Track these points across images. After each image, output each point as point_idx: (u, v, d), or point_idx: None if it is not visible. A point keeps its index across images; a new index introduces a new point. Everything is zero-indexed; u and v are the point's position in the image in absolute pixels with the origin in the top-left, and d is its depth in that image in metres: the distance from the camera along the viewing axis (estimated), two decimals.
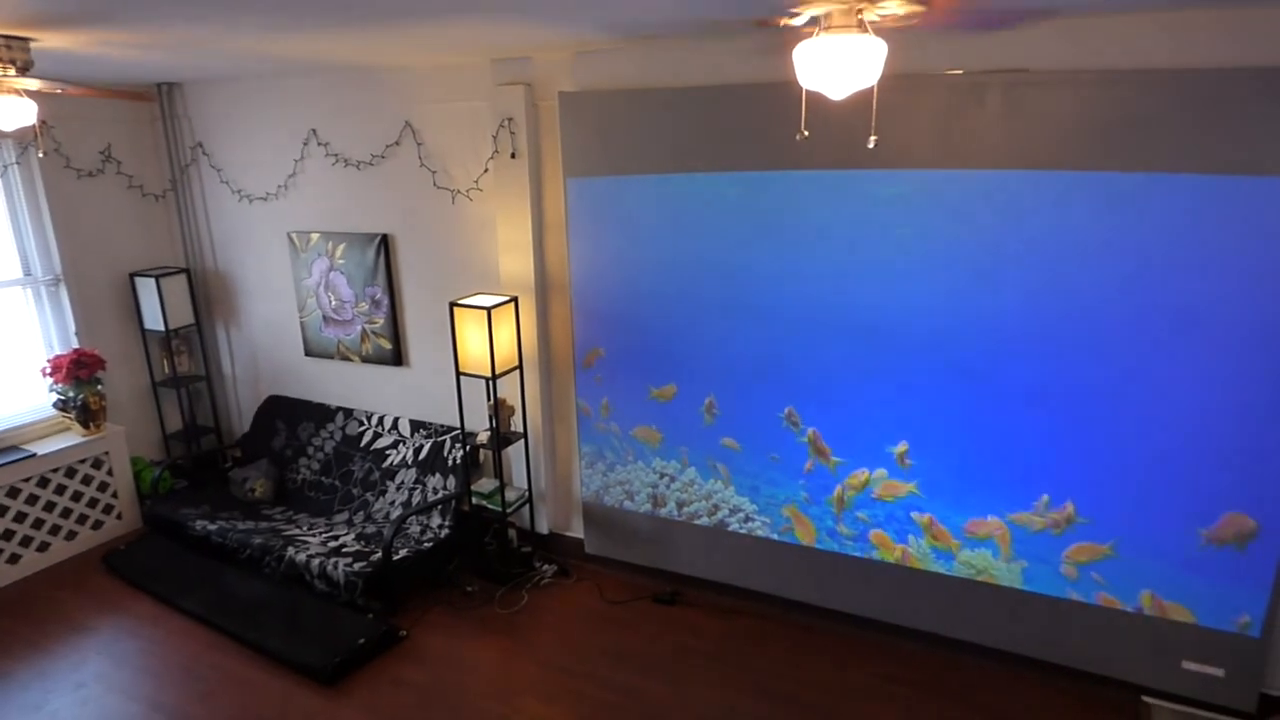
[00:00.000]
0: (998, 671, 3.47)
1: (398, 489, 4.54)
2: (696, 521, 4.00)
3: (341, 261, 4.66)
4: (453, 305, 3.95)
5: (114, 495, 4.81)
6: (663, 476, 4.03)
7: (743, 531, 3.90)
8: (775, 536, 3.83)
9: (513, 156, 3.92)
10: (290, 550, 4.09)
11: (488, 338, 3.86)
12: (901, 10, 2.18)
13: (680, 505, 4.03)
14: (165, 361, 5.23)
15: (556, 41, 3.41)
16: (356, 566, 3.92)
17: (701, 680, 3.51)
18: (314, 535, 4.32)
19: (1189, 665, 3.11)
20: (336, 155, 4.50)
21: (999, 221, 3.05)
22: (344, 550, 4.11)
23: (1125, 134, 2.81)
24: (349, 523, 4.51)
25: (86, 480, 4.67)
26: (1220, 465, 2.90)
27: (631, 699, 3.40)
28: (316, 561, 3.98)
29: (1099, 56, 2.82)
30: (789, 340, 3.54)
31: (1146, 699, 3.25)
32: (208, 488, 4.99)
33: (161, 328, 4.99)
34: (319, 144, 4.54)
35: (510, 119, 3.88)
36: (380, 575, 3.91)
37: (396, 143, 4.29)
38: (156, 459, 5.28)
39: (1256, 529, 2.90)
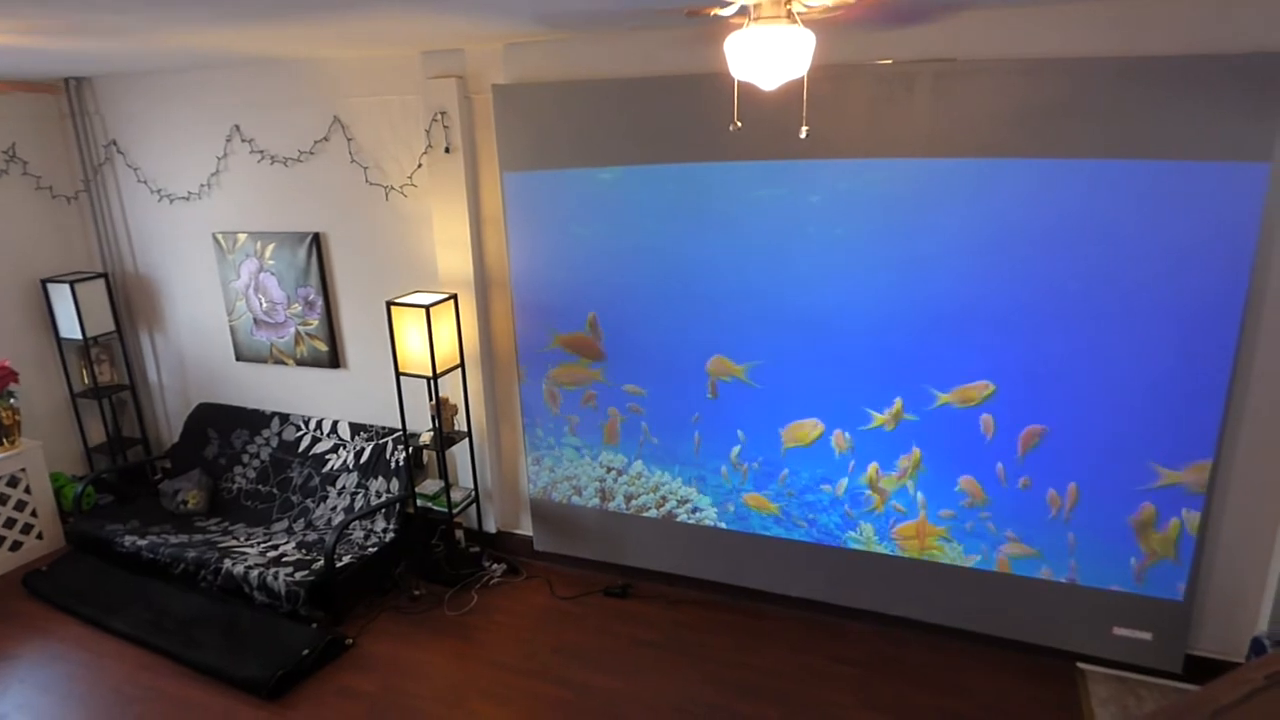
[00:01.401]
0: (942, 647, 3.57)
1: (339, 494, 4.42)
2: (645, 514, 4.01)
3: (271, 262, 4.50)
4: (390, 304, 3.86)
5: (33, 514, 4.56)
6: (610, 470, 4.02)
7: (691, 522, 3.92)
8: (724, 525, 3.86)
9: (447, 151, 3.84)
10: (227, 562, 3.95)
11: (427, 336, 3.78)
12: (829, 1, 2.20)
13: (628, 498, 4.02)
14: (84, 371, 4.98)
15: (487, 33, 3.35)
16: (298, 576, 3.80)
17: (655, 671, 3.52)
18: (252, 546, 4.18)
19: (1119, 631, 3.25)
20: (262, 152, 4.34)
21: (930, 209, 3.12)
22: (284, 559, 3.99)
23: (1047, 121, 2.89)
24: (289, 531, 4.37)
25: (1, 499, 4.42)
26: (1144, 450, 3.04)
27: (585, 695, 3.39)
28: (255, 572, 3.85)
29: (1021, 46, 2.90)
30: (731, 328, 3.56)
31: (1081, 665, 3.39)
32: (136, 502, 4.78)
33: (79, 336, 4.75)
34: (243, 140, 4.37)
35: (443, 113, 3.80)
36: (323, 583, 3.80)
37: (325, 138, 4.16)
38: (79, 474, 5.04)
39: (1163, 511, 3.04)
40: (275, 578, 3.81)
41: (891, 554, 3.57)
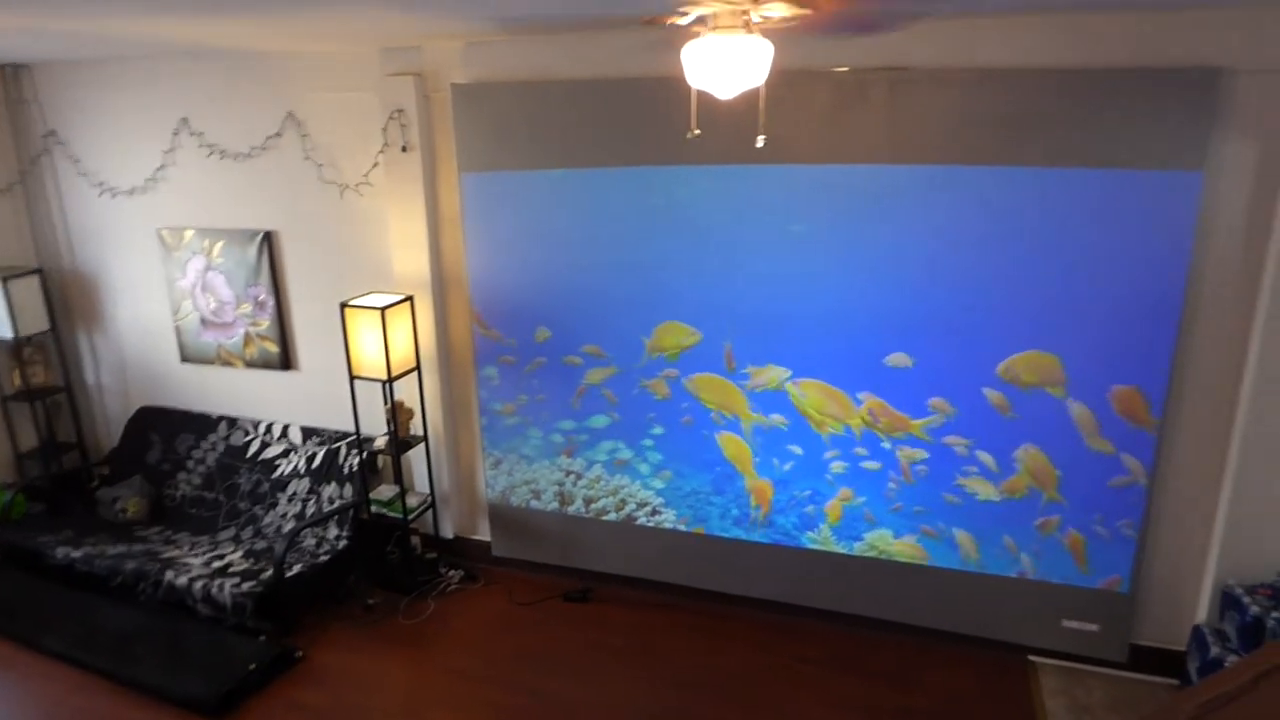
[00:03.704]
0: (900, 644, 3.62)
1: (290, 501, 4.29)
2: (605, 518, 3.98)
3: (220, 260, 4.36)
4: (344, 306, 3.77)
5: None
6: (569, 474, 3.99)
7: (651, 525, 3.91)
8: (684, 528, 3.86)
9: (404, 150, 3.79)
10: (169, 574, 3.79)
11: (382, 339, 3.71)
12: (787, 13, 2.24)
13: (588, 502, 4.00)
14: (16, 372, 4.75)
15: (446, 31, 3.32)
16: (245, 586, 3.67)
17: (616, 676, 3.49)
18: (196, 556, 4.02)
19: (1068, 623, 3.35)
20: (211, 146, 4.21)
21: (886, 214, 3.19)
22: (231, 570, 3.85)
23: (996, 129, 2.99)
24: (236, 540, 4.22)
25: None
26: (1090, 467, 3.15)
27: (545, 702, 3.34)
28: (200, 584, 3.71)
29: (971, 55, 2.99)
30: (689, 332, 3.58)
31: (1033, 658, 3.47)
32: (71, 511, 4.56)
33: (10, 335, 4.52)
34: (191, 134, 4.24)
35: (400, 111, 3.74)
36: (272, 594, 3.68)
37: (278, 134, 4.06)
38: (8, 481, 4.78)
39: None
40: (221, 589, 3.67)
41: (849, 554, 3.61)
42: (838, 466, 3.52)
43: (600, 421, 3.86)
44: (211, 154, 4.22)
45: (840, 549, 3.62)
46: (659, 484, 3.85)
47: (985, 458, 3.30)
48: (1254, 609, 2.83)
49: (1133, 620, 3.28)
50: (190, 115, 4.22)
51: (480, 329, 3.93)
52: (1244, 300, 2.93)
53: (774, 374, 3.52)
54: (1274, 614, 2.79)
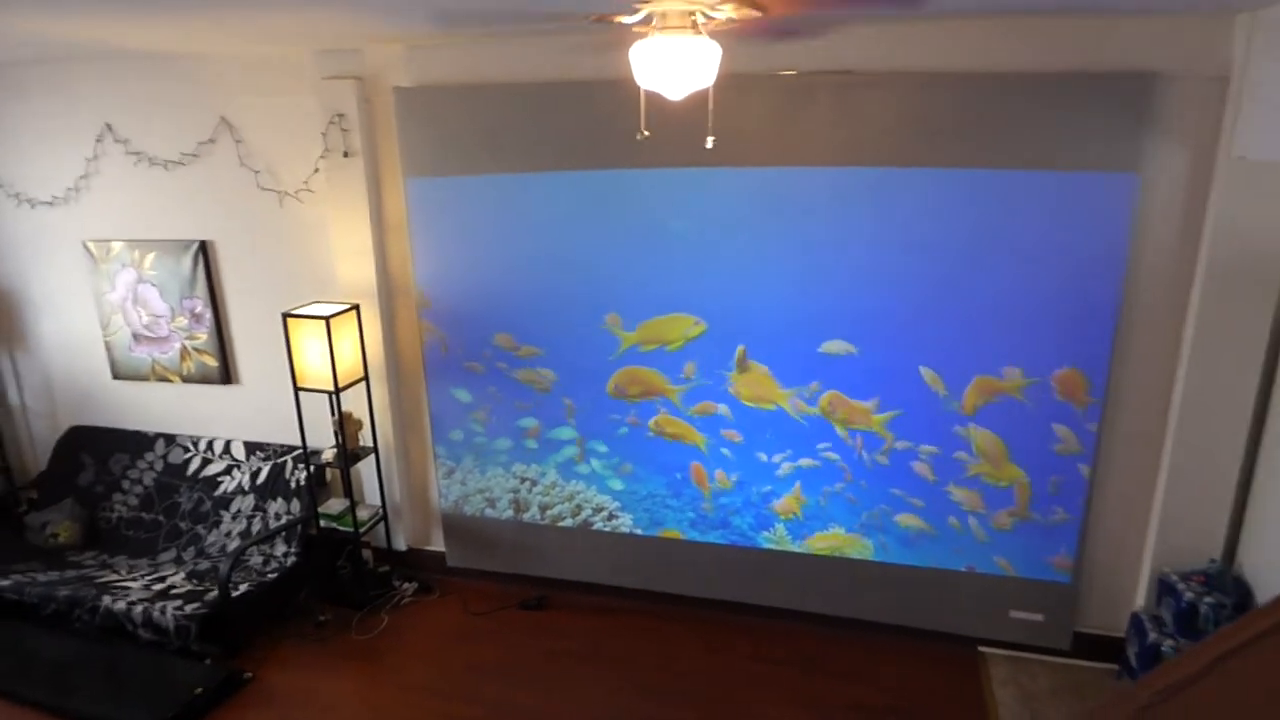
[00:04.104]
0: (854, 640, 3.68)
1: (234, 518, 4.16)
2: (561, 524, 3.96)
3: (152, 272, 4.19)
4: (286, 316, 3.66)
5: None
6: (524, 481, 3.95)
7: (607, 530, 3.90)
8: (640, 531, 3.86)
9: (346, 155, 3.68)
10: (106, 599, 3.63)
11: (328, 349, 3.61)
12: (733, 13, 2.23)
13: (543, 509, 3.97)
14: None
15: (385, 33, 3.23)
16: (189, 608, 3.54)
17: (575, 683, 3.48)
18: (135, 579, 3.87)
19: (1015, 614, 3.45)
20: (139, 154, 4.03)
21: (833, 215, 3.22)
22: (173, 592, 3.71)
23: (939, 132, 3.04)
24: (177, 561, 4.08)
25: None
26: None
27: (504, 713, 3.31)
28: (140, 608, 3.57)
29: (914, 59, 3.04)
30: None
31: (982, 649, 3.57)
32: None
33: None
34: (116, 140, 4.05)
35: (341, 115, 3.64)
36: (218, 615, 3.56)
37: (211, 140, 3.90)
38: None
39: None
40: (163, 612, 3.54)
41: (803, 552, 3.66)
42: (787, 468, 3.56)
43: (556, 428, 3.83)
44: (139, 161, 4.04)
45: (795, 548, 3.67)
46: (616, 488, 3.84)
47: (931, 450, 3.37)
48: (1188, 595, 2.95)
49: (1075, 609, 3.40)
50: (114, 121, 4.03)
51: (430, 336, 3.86)
52: (1178, 298, 3.04)
53: (723, 372, 3.54)
54: (1206, 599, 2.91)
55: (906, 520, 3.47)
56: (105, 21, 2.70)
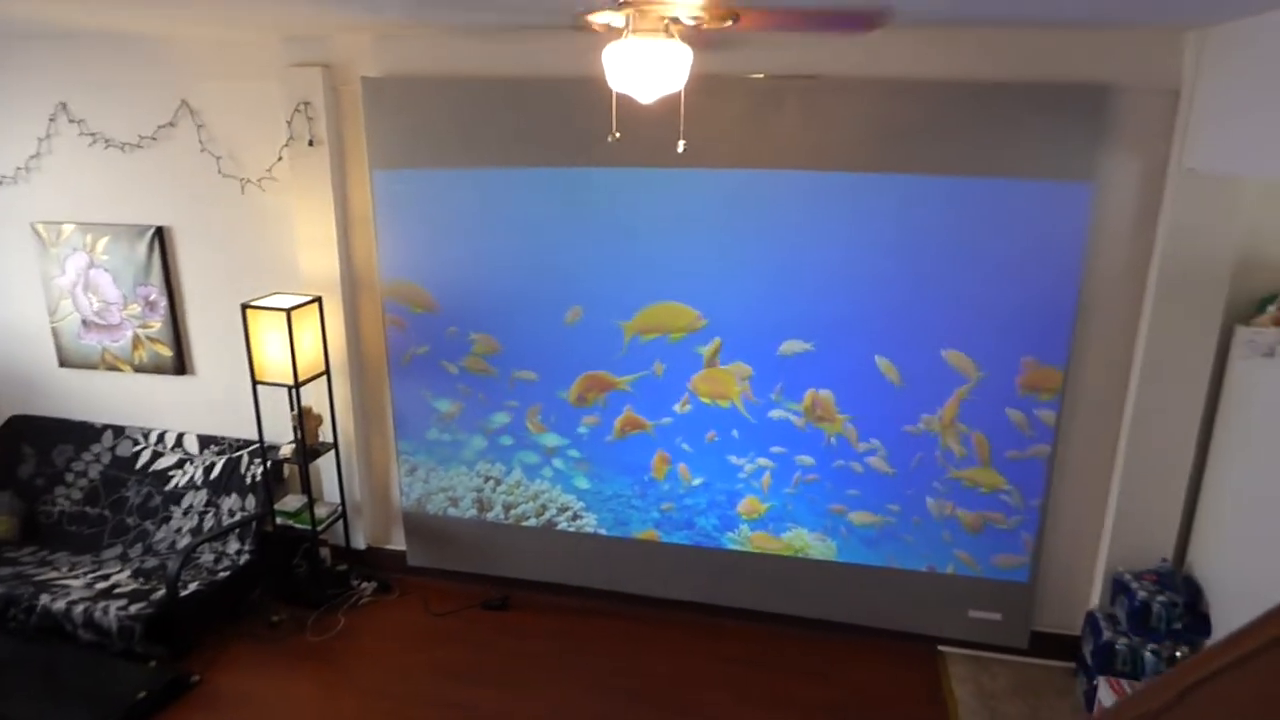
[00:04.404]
0: (816, 640, 3.70)
1: (185, 514, 4.02)
2: (525, 523, 3.91)
3: (105, 257, 4.05)
4: (245, 307, 3.56)
5: None
6: (488, 480, 3.90)
7: (571, 530, 3.87)
8: (604, 532, 3.83)
9: (311, 144, 3.62)
10: (44, 598, 3.48)
11: (288, 342, 3.52)
12: (704, 15, 2.26)
13: (507, 508, 3.92)
14: None
15: (354, 22, 3.18)
16: (133, 608, 3.41)
17: (538, 684, 3.43)
18: (77, 577, 3.71)
19: (974, 613, 3.50)
20: (94, 135, 3.90)
21: (800, 219, 3.25)
22: (117, 591, 3.57)
23: (903, 139, 3.09)
24: (123, 558, 3.92)
25: None
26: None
27: (464, 715, 3.25)
28: (80, 608, 3.42)
29: (879, 66, 3.09)
30: (612, 334, 3.55)
31: (942, 648, 3.62)
32: None
33: None
34: (71, 121, 3.91)
35: (306, 103, 3.57)
36: (164, 615, 3.43)
37: (171, 123, 3.80)
38: None
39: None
40: (105, 612, 3.40)
41: (767, 552, 3.67)
42: (750, 468, 3.57)
43: (520, 425, 3.79)
44: (95, 143, 3.91)
45: (758, 549, 3.67)
46: (581, 487, 3.81)
47: (891, 449, 3.41)
48: (1141, 594, 3.03)
49: (1032, 608, 3.46)
50: (70, 101, 3.90)
51: (394, 331, 3.80)
52: (1131, 304, 3.13)
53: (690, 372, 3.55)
54: (1159, 598, 2.99)
55: (866, 519, 3.51)
56: (68, 3, 2.61)
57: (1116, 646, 3.03)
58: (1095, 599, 3.35)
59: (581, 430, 3.72)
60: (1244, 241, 2.96)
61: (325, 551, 4.02)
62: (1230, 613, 2.89)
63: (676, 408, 3.59)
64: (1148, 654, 2.98)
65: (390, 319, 3.78)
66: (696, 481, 3.66)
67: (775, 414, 3.49)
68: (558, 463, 3.79)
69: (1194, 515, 3.18)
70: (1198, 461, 3.14)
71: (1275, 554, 2.60)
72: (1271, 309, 2.88)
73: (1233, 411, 2.99)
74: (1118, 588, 3.19)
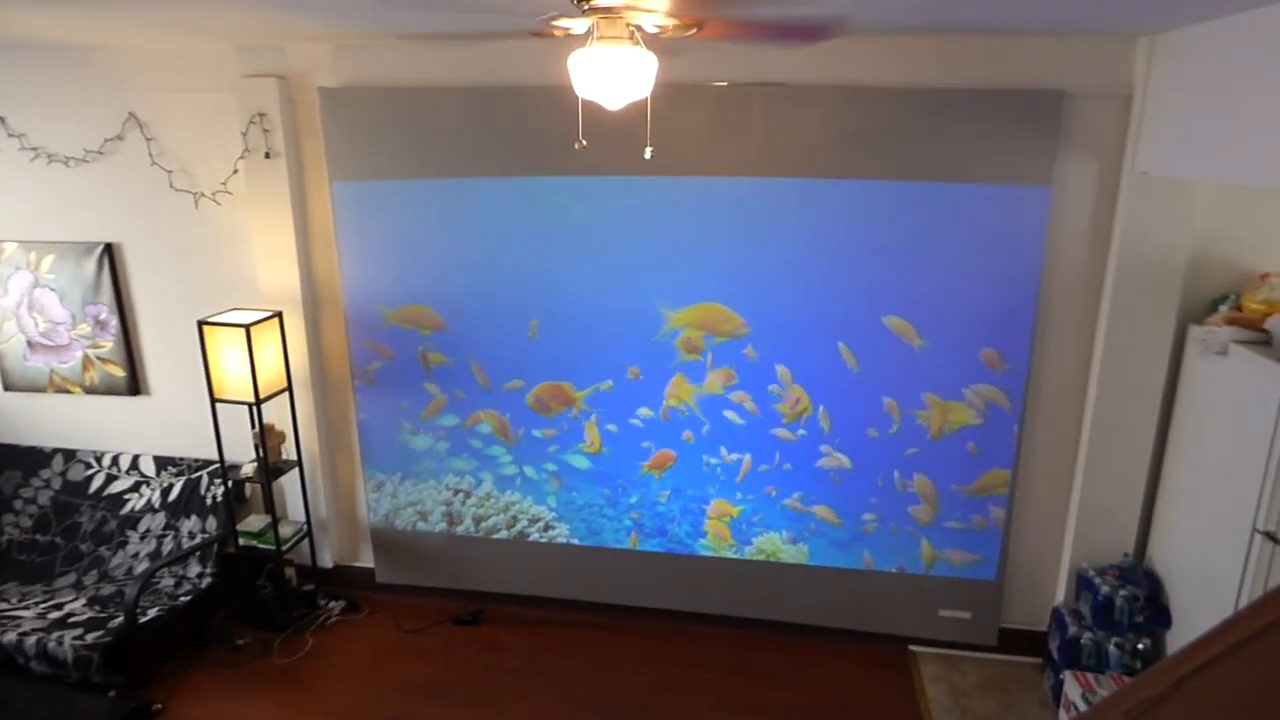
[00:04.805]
0: (790, 644, 3.71)
1: (142, 538, 3.90)
2: (496, 536, 3.87)
3: (51, 276, 3.91)
4: (202, 324, 3.47)
5: None
6: (458, 493, 3.85)
7: (543, 541, 3.83)
8: (577, 541, 3.80)
9: (267, 156, 3.53)
10: None
11: (248, 358, 3.44)
12: (673, 31, 2.26)
13: (478, 521, 3.87)
14: None
15: (311, 31, 3.12)
16: (90, 637, 3.30)
17: (512, 698, 3.39)
18: (28, 608, 3.57)
19: (945, 613, 3.55)
20: (36, 149, 3.77)
21: (767, 224, 3.26)
22: (71, 620, 3.45)
23: (866, 145, 3.12)
24: (77, 586, 3.79)
25: None
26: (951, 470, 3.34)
27: None
28: (33, 639, 3.29)
29: (842, 73, 3.12)
30: (578, 343, 3.53)
31: (913, 648, 3.66)
32: None
33: None
34: (10, 135, 3.77)
35: (262, 115, 3.49)
36: (123, 643, 3.32)
37: (119, 136, 3.68)
38: None
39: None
40: (60, 642, 3.28)
41: (739, 558, 3.67)
42: (721, 472, 3.58)
43: (489, 438, 3.74)
44: (37, 158, 3.77)
45: (731, 554, 3.68)
46: (551, 499, 3.78)
47: (858, 454, 3.44)
48: (1104, 589, 3.09)
49: (1000, 606, 3.52)
50: (9, 114, 3.75)
51: (357, 345, 3.73)
52: (1089, 305, 3.20)
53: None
54: (1121, 593, 3.06)
55: (833, 519, 3.53)
56: (9, 9, 2.51)
57: (1081, 641, 3.09)
58: (1061, 595, 3.41)
59: (545, 441, 3.69)
60: (1197, 243, 3.04)
61: (291, 571, 3.94)
62: (1189, 604, 2.97)
63: (645, 413, 3.58)
64: (1111, 648, 3.05)
65: (353, 332, 3.71)
66: (666, 492, 3.65)
67: (736, 420, 3.50)
68: (529, 470, 3.76)
69: (1153, 510, 3.27)
70: (1156, 458, 3.22)
71: (1230, 546, 2.67)
72: (1223, 309, 2.96)
73: (1188, 409, 3.07)
74: (1082, 583, 3.25)
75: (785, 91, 3.16)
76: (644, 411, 3.58)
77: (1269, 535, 2.55)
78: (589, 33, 2.24)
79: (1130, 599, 3.05)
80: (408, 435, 3.80)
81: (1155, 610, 3.07)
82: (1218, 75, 2.48)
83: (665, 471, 3.64)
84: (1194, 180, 2.89)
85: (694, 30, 2.33)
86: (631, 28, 2.23)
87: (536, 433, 3.70)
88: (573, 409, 3.63)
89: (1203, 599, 2.89)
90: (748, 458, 3.54)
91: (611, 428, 3.63)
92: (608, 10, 2.16)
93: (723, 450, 3.56)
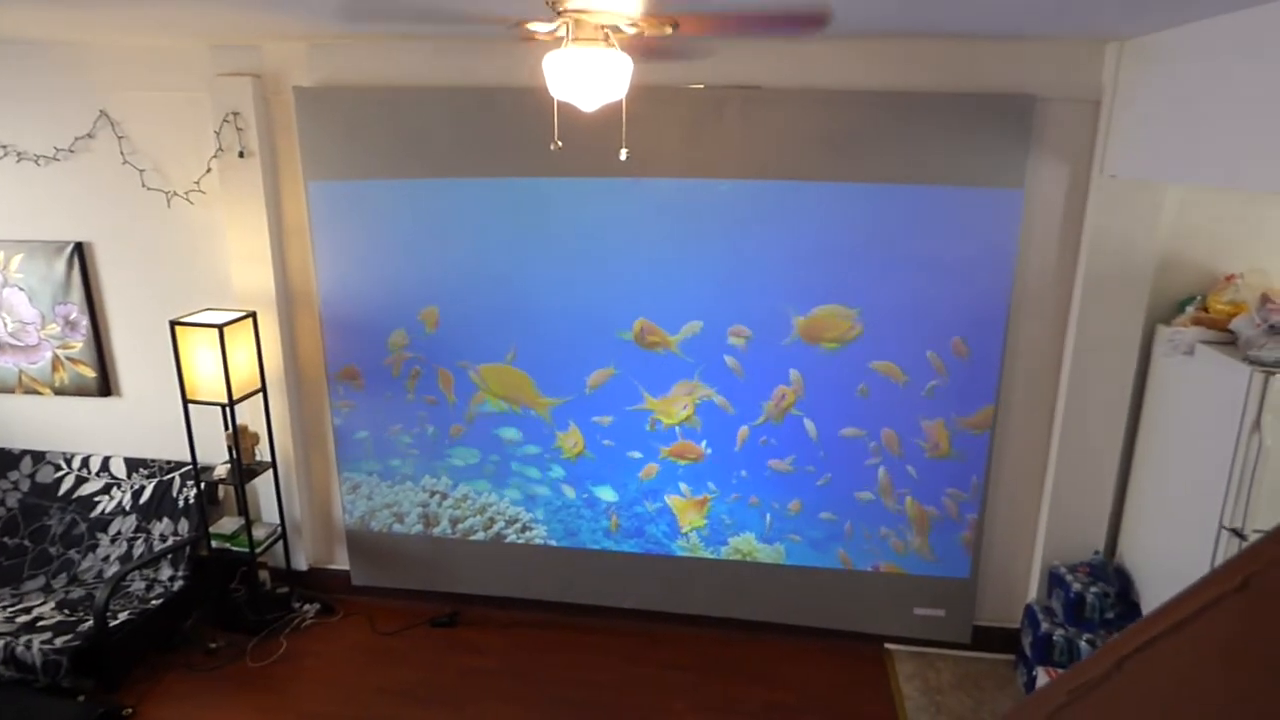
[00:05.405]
0: (766, 643, 3.73)
1: (113, 541, 3.85)
2: (472, 537, 3.85)
3: (19, 275, 3.85)
4: (174, 324, 3.43)
5: None
6: (434, 494, 3.83)
7: (521, 542, 3.82)
8: (554, 542, 3.80)
9: (241, 156, 3.50)
10: None
11: (221, 359, 3.41)
12: (648, 30, 2.27)
13: (454, 522, 3.85)
14: None
15: (286, 30, 3.10)
16: (59, 641, 3.25)
17: (489, 700, 3.38)
18: None
19: (919, 611, 3.57)
20: (6, 148, 3.71)
21: (739, 227, 3.28)
22: (40, 624, 3.39)
23: (842, 147, 3.14)
24: (46, 589, 3.74)
25: None
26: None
27: None
28: (0, 644, 3.24)
29: (818, 76, 3.14)
30: (553, 344, 3.53)
31: (888, 646, 3.68)
32: None
33: None
34: None
35: (236, 114, 3.46)
36: (93, 647, 3.28)
37: (89, 135, 3.64)
38: None
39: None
40: (28, 646, 3.22)
41: (716, 558, 3.68)
42: (694, 470, 3.59)
43: (465, 438, 3.73)
44: (5, 155, 3.72)
45: (708, 554, 3.69)
46: (528, 500, 3.77)
47: (835, 452, 3.46)
48: (1076, 586, 3.13)
49: (974, 603, 3.55)
50: None
51: (333, 345, 3.70)
52: (1060, 307, 3.24)
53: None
54: (1092, 589, 3.10)
55: (808, 517, 3.55)
56: None
57: (1054, 638, 3.13)
58: (1033, 592, 3.45)
59: (520, 442, 3.68)
60: (1165, 244, 3.09)
61: (264, 574, 3.90)
62: (1159, 599, 2.98)
63: (617, 416, 3.58)
64: (1083, 644, 3.09)
65: (328, 332, 3.69)
66: (653, 508, 3.66)
67: (698, 418, 3.51)
68: (504, 470, 3.75)
69: (1123, 508, 3.31)
70: (1125, 456, 3.26)
71: (1198, 542, 2.71)
72: (1190, 309, 3.01)
73: (1156, 408, 3.12)
74: (1054, 581, 3.29)
75: (761, 94, 3.17)
76: (620, 413, 3.58)
77: (1235, 532, 2.59)
78: (563, 34, 2.24)
79: (1101, 596, 3.09)
80: (384, 436, 3.78)
81: (1126, 606, 3.11)
82: (1183, 80, 2.52)
83: (651, 478, 3.64)
84: (1161, 183, 2.94)
85: (670, 29, 2.34)
86: (605, 30, 2.24)
87: (512, 432, 3.69)
88: (543, 409, 3.62)
89: (1171, 593, 2.92)
90: (720, 462, 3.55)
91: (599, 420, 3.62)
92: (580, 12, 2.17)
93: (702, 448, 3.57)
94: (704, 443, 3.56)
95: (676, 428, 3.56)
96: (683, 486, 3.63)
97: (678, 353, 3.46)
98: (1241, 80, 2.21)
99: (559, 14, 2.19)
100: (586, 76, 2.19)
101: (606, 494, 3.70)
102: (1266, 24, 2.09)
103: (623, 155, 2.55)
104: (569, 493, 3.72)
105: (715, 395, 3.49)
